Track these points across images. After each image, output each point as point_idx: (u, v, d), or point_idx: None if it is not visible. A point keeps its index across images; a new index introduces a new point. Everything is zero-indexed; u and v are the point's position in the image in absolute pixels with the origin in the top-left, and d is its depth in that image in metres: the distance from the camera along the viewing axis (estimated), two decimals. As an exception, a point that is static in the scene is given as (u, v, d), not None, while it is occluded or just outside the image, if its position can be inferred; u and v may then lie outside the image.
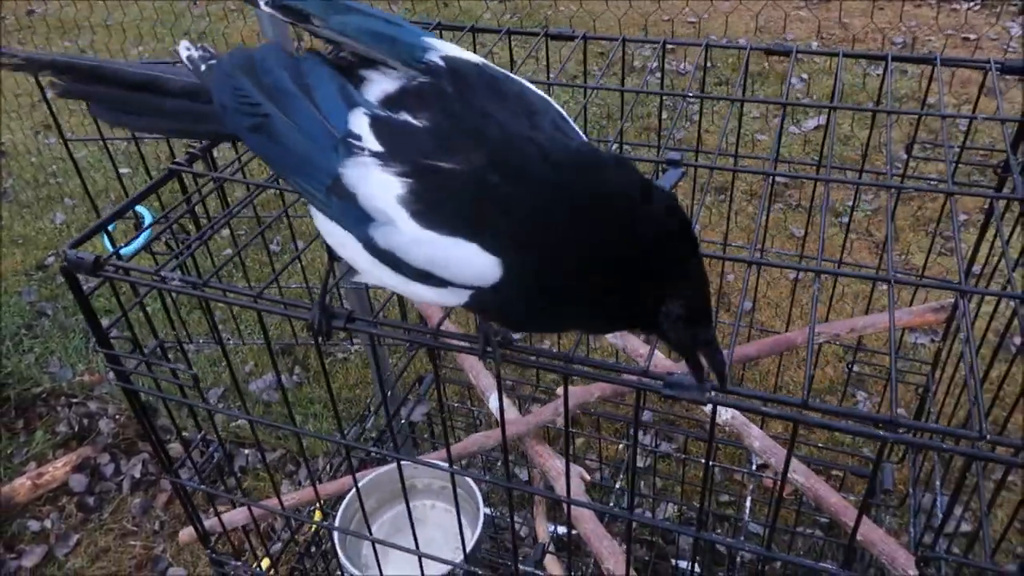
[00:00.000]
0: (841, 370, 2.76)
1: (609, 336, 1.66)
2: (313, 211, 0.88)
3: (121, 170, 3.89)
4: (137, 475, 2.69)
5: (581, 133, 0.90)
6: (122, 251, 1.08)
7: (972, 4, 5.20)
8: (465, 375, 1.68)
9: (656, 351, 1.53)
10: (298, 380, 3.00)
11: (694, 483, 2.30)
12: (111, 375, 3.00)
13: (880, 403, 1.72)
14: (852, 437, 2.26)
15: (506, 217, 0.76)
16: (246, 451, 2.74)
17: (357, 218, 0.80)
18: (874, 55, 1.34)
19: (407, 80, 0.85)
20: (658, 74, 4.78)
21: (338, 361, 3.05)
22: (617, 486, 2.06)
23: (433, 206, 0.77)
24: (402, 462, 1.15)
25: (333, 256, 0.95)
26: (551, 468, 1.47)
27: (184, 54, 0.92)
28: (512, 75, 0.92)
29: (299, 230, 3.03)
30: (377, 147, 0.79)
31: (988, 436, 0.72)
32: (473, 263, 0.77)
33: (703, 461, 2.15)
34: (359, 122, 0.81)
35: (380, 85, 0.86)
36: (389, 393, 1.78)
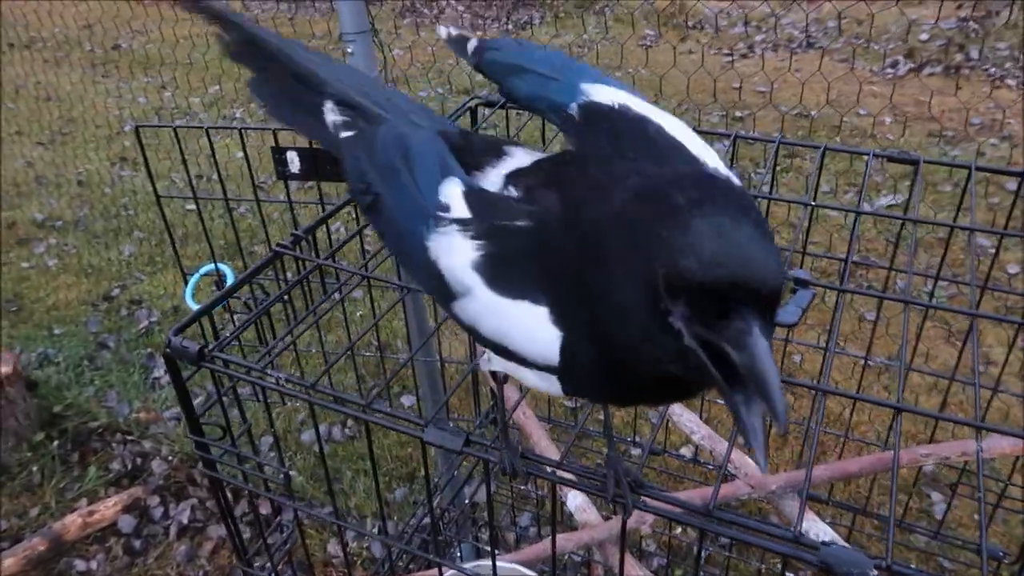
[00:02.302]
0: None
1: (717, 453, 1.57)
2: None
3: (191, 205, 3.98)
4: (185, 521, 2.65)
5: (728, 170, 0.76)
6: (197, 306, 1.06)
7: (1055, 88, 5.08)
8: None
9: (787, 497, 1.42)
10: (350, 434, 2.96)
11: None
12: (169, 418, 3.00)
13: (987, 527, 1.60)
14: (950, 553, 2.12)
15: (560, 267, 0.66)
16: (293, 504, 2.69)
17: (446, 294, 0.74)
18: (1009, 171, 1.26)
19: (540, 154, 0.84)
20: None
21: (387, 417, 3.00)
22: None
23: (502, 269, 0.70)
24: (482, 564, 1.08)
25: (498, 379, 0.89)
26: (632, 581, 1.38)
27: (329, 119, 0.88)
28: (663, 115, 0.83)
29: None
30: (464, 213, 0.74)
31: None
32: (530, 328, 0.68)
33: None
34: (450, 191, 0.76)
35: (516, 159, 0.84)
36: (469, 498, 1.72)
